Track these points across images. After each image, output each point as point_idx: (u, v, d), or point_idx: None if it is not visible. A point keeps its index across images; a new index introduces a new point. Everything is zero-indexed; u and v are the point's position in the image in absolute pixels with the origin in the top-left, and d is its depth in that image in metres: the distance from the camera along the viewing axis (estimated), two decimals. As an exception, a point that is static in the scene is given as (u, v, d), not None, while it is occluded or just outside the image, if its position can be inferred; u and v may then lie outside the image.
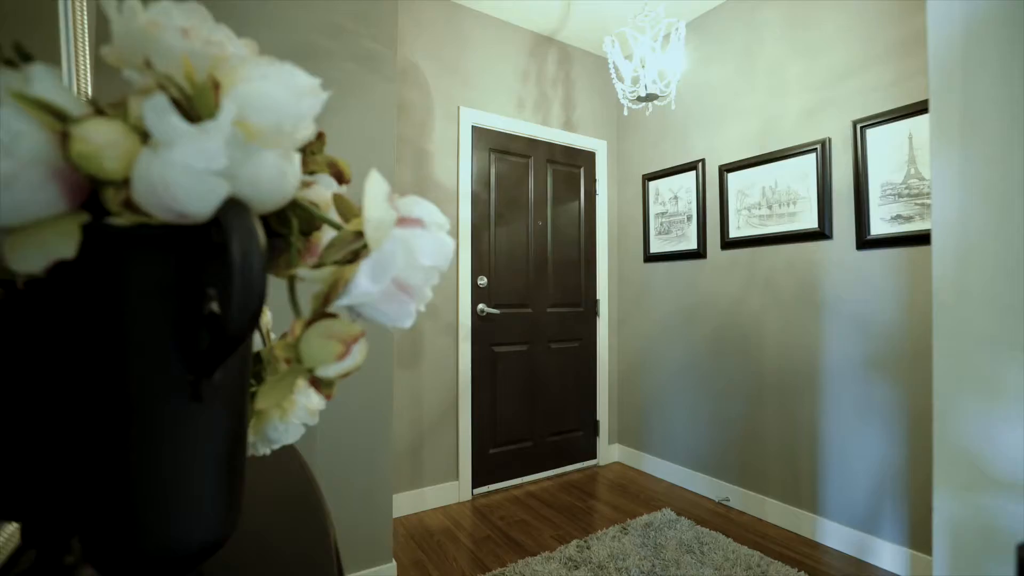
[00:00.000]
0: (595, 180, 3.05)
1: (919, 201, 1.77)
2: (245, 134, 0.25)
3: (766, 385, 2.26)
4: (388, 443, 1.68)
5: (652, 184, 2.89)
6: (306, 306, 0.30)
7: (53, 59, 0.93)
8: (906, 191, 1.80)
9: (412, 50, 2.38)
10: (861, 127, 1.92)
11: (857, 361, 1.93)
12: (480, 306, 2.57)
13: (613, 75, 1.87)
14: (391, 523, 1.69)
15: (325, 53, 1.58)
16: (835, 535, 1.98)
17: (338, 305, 0.28)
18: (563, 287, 2.90)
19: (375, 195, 0.28)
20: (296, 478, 0.79)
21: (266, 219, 0.33)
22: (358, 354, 0.28)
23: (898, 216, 1.82)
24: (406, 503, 2.31)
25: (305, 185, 0.34)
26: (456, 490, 2.46)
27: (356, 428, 1.62)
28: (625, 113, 1.93)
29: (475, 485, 2.53)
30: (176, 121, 0.24)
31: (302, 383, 0.52)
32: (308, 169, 0.38)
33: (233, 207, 0.27)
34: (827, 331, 2.03)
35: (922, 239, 1.74)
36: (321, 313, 0.28)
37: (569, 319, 2.92)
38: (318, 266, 0.29)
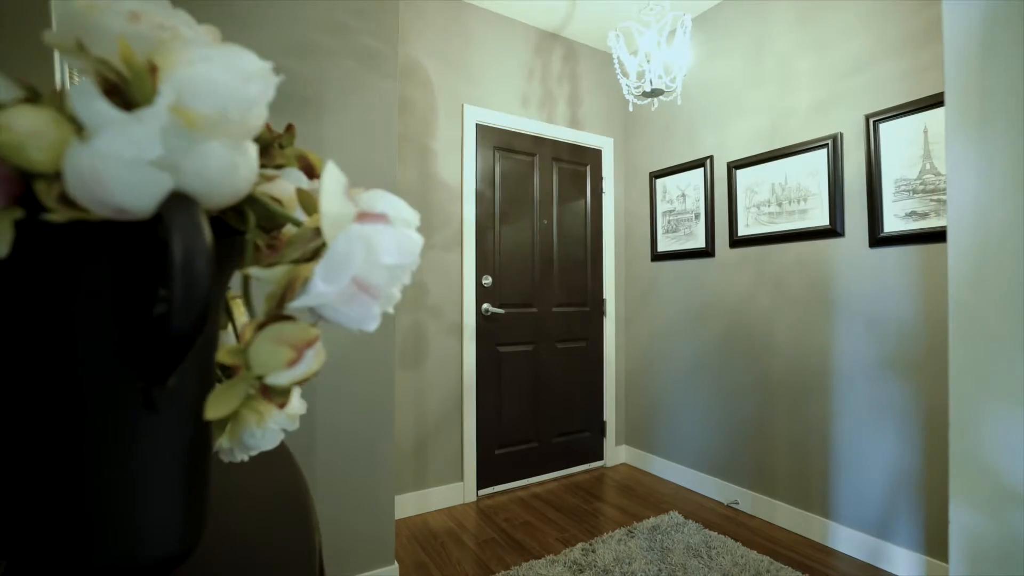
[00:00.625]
0: (601, 178, 3.02)
1: (935, 197, 1.71)
2: (185, 121, 0.23)
3: (776, 385, 2.21)
4: (390, 444, 1.67)
5: (659, 182, 2.85)
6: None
7: (47, 60, 0.92)
8: (921, 187, 1.75)
9: (415, 48, 2.36)
10: (874, 121, 1.87)
11: (870, 361, 1.88)
12: (485, 306, 2.55)
13: (618, 70, 1.84)
14: (393, 524, 1.67)
15: (326, 51, 1.57)
16: (847, 540, 1.93)
17: (295, 306, 0.26)
18: (569, 286, 2.87)
19: (331, 189, 0.26)
20: (284, 477, 0.78)
21: (225, 215, 0.31)
22: (313, 360, 0.26)
23: (913, 213, 1.77)
24: (410, 504, 2.30)
25: (266, 179, 0.32)
26: (461, 491, 2.44)
27: (357, 429, 1.61)
28: (630, 109, 1.89)
29: (480, 486, 2.52)
30: (104, 107, 0.22)
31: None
32: (275, 163, 0.36)
33: (177, 201, 0.25)
34: (839, 331, 1.98)
35: (938, 236, 1.69)
36: (275, 315, 0.26)
37: (575, 319, 2.89)
38: (271, 265, 0.27)
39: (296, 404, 0.52)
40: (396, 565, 1.69)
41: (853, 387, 1.93)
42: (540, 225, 2.78)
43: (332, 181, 0.26)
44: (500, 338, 2.62)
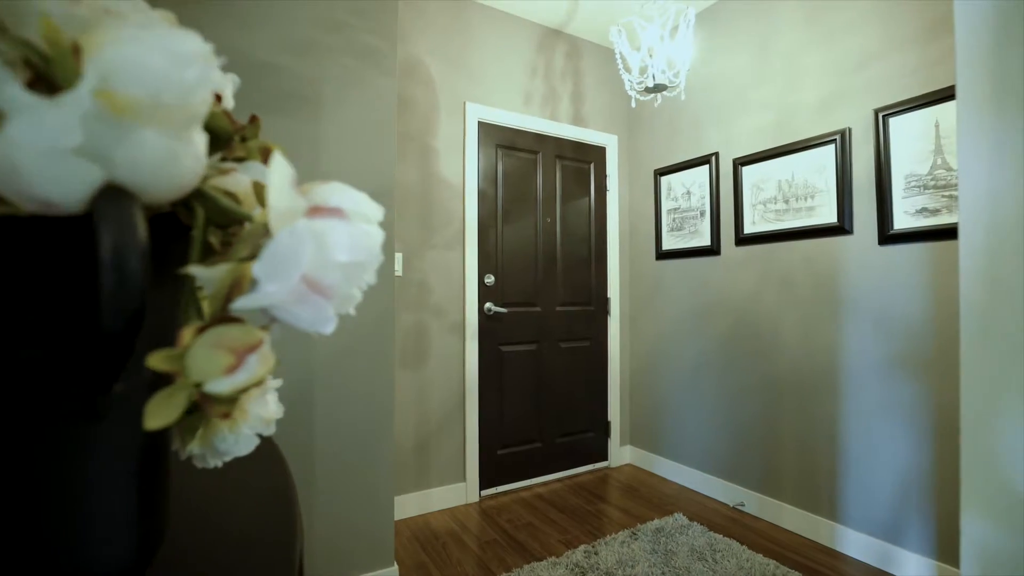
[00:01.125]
0: (606, 176, 2.99)
1: (946, 193, 1.67)
2: (111, 107, 0.21)
3: (783, 386, 2.17)
4: (390, 444, 1.65)
5: (664, 179, 2.81)
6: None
7: None
8: (932, 182, 1.71)
9: (416, 45, 2.35)
10: (883, 116, 1.82)
11: (880, 362, 1.84)
12: (487, 305, 2.53)
13: (620, 66, 1.81)
14: (393, 525, 1.66)
15: (325, 49, 1.56)
16: (855, 544, 1.89)
17: (239, 307, 0.25)
18: (573, 285, 2.84)
19: (276, 181, 0.24)
20: (270, 478, 0.76)
21: (177, 211, 0.29)
22: (256, 366, 0.24)
23: (924, 209, 1.73)
24: (412, 504, 2.28)
25: (221, 172, 0.30)
26: (463, 492, 2.43)
27: (357, 429, 1.59)
28: (633, 105, 1.86)
29: (482, 487, 2.50)
30: (16, 92, 0.20)
31: (256, 394, 0.48)
32: (237, 156, 0.34)
33: (107, 195, 0.23)
34: (847, 330, 1.94)
35: (950, 233, 1.64)
36: (220, 318, 0.24)
37: (579, 318, 2.86)
38: (214, 263, 0.25)
39: (272, 408, 0.51)
40: (396, 566, 1.68)
41: (862, 387, 1.89)
42: (543, 223, 2.75)
43: (278, 173, 0.24)
44: (503, 337, 2.60)
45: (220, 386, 0.23)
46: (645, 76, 1.69)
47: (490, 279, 2.55)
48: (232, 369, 0.23)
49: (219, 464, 0.46)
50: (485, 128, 2.56)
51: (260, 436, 0.47)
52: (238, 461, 0.91)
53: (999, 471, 0.89)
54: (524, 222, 2.69)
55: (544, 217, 2.76)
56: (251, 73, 1.44)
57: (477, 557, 1.92)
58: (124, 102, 0.21)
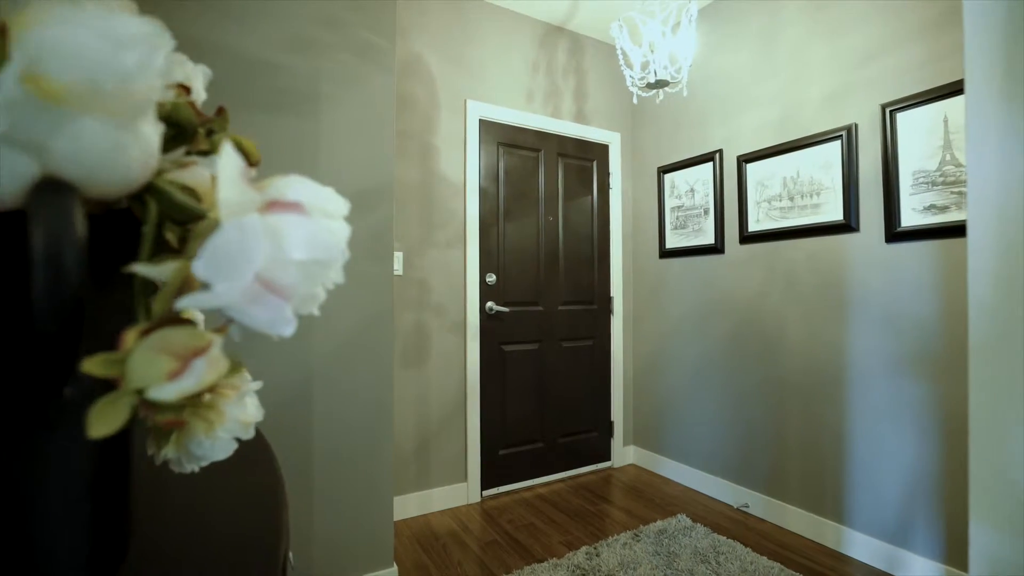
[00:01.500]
0: (608, 173, 2.96)
1: (955, 189, 1.64)
2: (40, 92, 0.20)
3: (788, 386, 2.14)
4: (389, 444, 1.64)
5: (668, 177, 2.78)
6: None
7: None
8: (940, 179, 1.67)
9: (417, 42, 2.33)
10: (890, 111, 1.79)
11: (887, 362, 1.81)
12: (489, 304, 2.52)
13: (621, 61, 1.78)
14: (392, 526, 1.65)
15: (322, 45, 1.55)
16: (862, 547, 1.86)
17: (188, 307, 0.23)
18: (575, 284, 2.82)
19: (226, 173, 0.23)
20: (258, 476, 0.75)
21: (131, 206, 0.27)
22: (203, 371, 0.22)
23: (932, 206, 1.69)
24: (413, 505, 2.27)
25: (179, 165, 0.29)
26: (465, 492, 2.41)
27: (356, 428, 1.58)
28: (635, 101, 1.84)
29: (484, 487, 2.49)
30: (-68, 75, 0.18)
31: (223, 399, 0.47)
32: (201, 148, 0.33)
33: (43, 187, 0.21)
34: (853, 330, 1.91)
35: (959, 231, 1.61)
36: (166, 319, 0.23)
37: (582, 317, 2.84)
38: (163, 261, 0.23)
39: (252, 411, 0.49)
40: (395, 567, 1.67)
41: (868, 388, 1.86)
42: (545, 222, 2.73)
43: (227, 164, 0.23)
44: (504, 337, 2.58)
45: (163, 392, 0.21)
46: (647, 72, 1.66)
47: (491, 278, 2.54)
48: (176, 375, 0.21)
49: (195, 469, 0.45)
50: (486, 126, 2.54)
51: (239, 440, 0.46)
52: (226, 462, 0.89)
53: (1008, 474, 0.86)
54: (526, 220, 2.67)
55: (546, 215, 2.74)
56: (248, 71, 1.43)
57: (478, 558, 1.90)
58: (55, 88, 0.20)
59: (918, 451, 1.72)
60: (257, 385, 0.47)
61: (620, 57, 1.78)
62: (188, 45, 1.36)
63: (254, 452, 0.91)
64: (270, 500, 0.65)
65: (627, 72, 1.72)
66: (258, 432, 1.00)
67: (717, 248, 2.46)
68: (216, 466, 0.81)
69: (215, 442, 0.44)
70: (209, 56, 1.38)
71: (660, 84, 1.69)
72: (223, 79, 1.39)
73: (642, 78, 1.70)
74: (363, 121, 1.62)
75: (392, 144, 1.66)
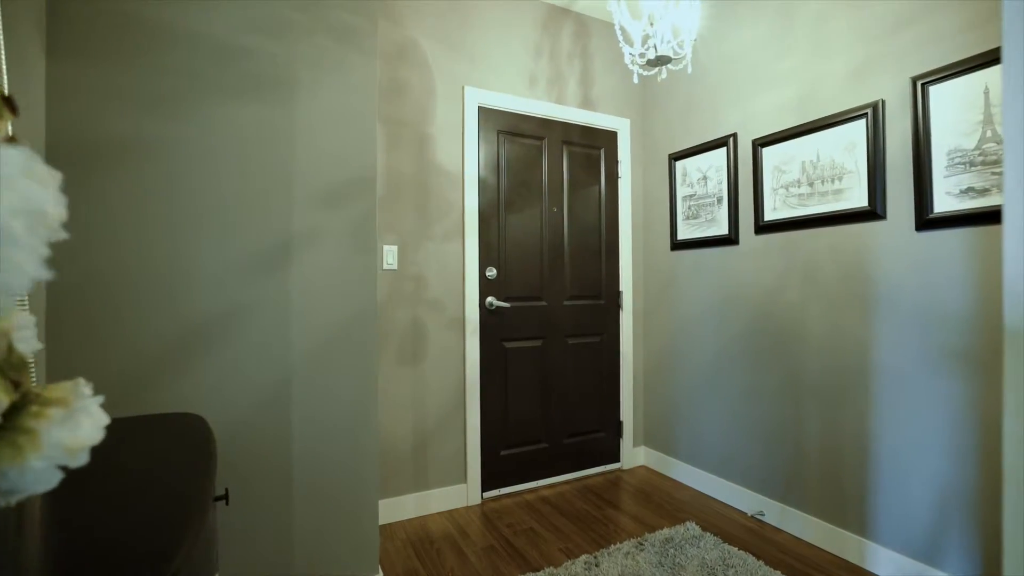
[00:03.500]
0: (617, 162, 2.82)
1: (997, 170, 1.46)
2: None
3: (808, 386, 1.99)
4: (373, 445, 1.57)
5: (679, 164, 2.63)
6: None
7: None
8: (980, 158, 1.49)
9: (410, 26, 2.24)
10: (922, 84, 1.61)
11: (916, 362, 1.64)
12: (489, 299, 2.42)
13: (620, 37, 1.65)
14: (377, 529, 1.58)
15: (297, 28, 1.47)
16: (887, 563, 1.70)
17: None
18: (582, 278, 2.70)
19: None
20: (183, 482, 0.69)
21: None
22: None
23: (969, 189, 1.52)
24: (410, 506, 2.21)
25: None
26: (464, 493, 2.34)
27: (337, 429, 1.51)
28: (635, 80, 1.70)
29: (485, 488, 2.40)
30: None
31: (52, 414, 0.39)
32: None
33: None
34: (879, 326, 1.75)
35: (1000, 216, 1.43)
36: None
37: (588, 312, 2.72)
38: None
39: (87, 431, 0.40)
40: (381, 573, 1.60)
41: (895, 389, 1.70)
42: (549, 213, 2.62)
43: None
44: (506, 333, 2.48)
45: None
46: (647, 47, 1.53)
47: (492, 272, 2.44)
48: None
49: (11, 502, 0.37)
50: (486, 113, 2.43)
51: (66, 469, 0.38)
52: (153, 456, 0.86)
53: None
54: (529, 212, 2.56)
55: (550, 207, 2.62)
56: (218, 56, 1.36)
57: (472, 565, 1.82)
58: None
59: (951, 459, 1.55)
60: (97, 399, 0.38)
61: (619, 33, 1.65)
62: (157, 32, 1.29)
63: (184, 450, 0.85)
64: (181, 508, 0.61)
65: (626, 49, 1.59)
66: (192, 417, 0.94)
67: (731, 239, 2.30)
68: (136, 466, 0.81)
69: (27, 473, 0.35)
70: (179, 42, 1.31)
71: (662, 61, 1.55)
72: (192, 65, 1.33)
73: (642, 55, 1.56)
74: (343, 108, 1.53)
75: (374, 132, 1.58)
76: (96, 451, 0.37)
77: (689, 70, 1.73)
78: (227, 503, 1.00)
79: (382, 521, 2.14)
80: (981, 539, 1.48)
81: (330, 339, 1.51)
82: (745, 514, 2.20)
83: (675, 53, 1.55)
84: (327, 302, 1.50)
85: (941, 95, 1.57)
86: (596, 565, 1.76)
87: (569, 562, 1.79)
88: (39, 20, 1.18)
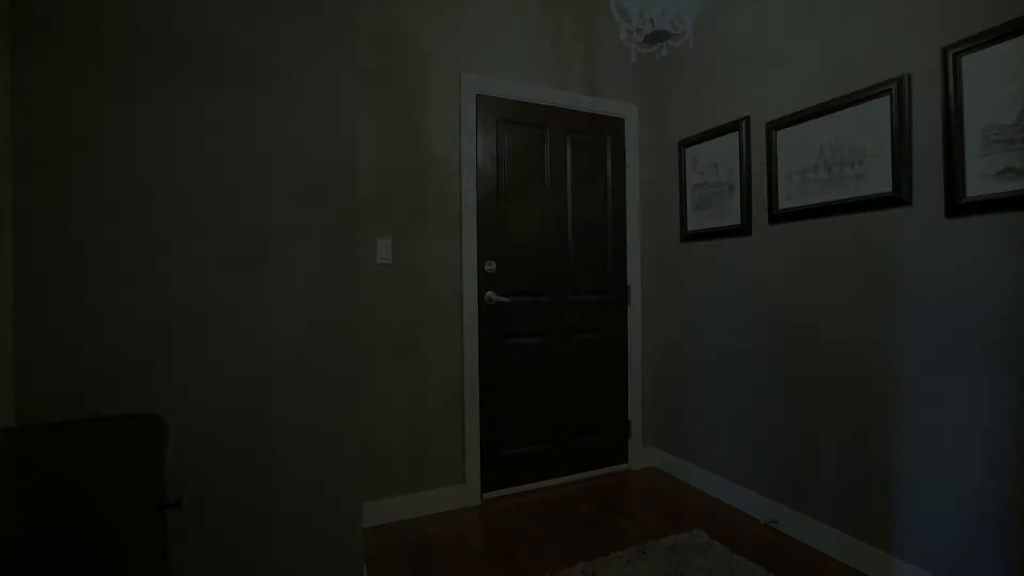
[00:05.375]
0: (624, 150, 2.70)
1: (1039, 147, 1.30)
2: None
3: (827, 386, 1.85)
4: (353, 447, 1.51)
5: (689, 151, 2.49)
6: None
7: None
8: (1021, 135, 1.33)
9: (403, 11, 2.16)
10: (954, 54, 1.45)
11: (947, 361, 1.49)
12: (488, 294, 2.34)
13: (615, 12, 1.53)
14: (359, 533, 1.52)
15: (272, 11, 1.40)
16: (912, 580, 1.57)
17: None
18: (587, 272, 2.59)
19: None
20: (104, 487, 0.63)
21: None
22: None
23: (1008, 170, 1.36)
24: (407, 506, 2.15)
25: None
26: (463, 494, 2.27)
27: (317, 433, 1.45)
28: (633, 59, 1.58)
29: (485, 489, 2.33)
30: None
31: None
32: None
33: None
34: (905, 323, 1.60)
35: (1043, 199, 1.28)
36: None
37: (594, 308, 2.61)
38: None
39: None
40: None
41: (922, 391, 1.55)
42: (552, 204, 2.51)
43: None
44: (507, 329, 2.40)
45: None
46: (643, 22, 1.41)
47: (491, 266, 2.35)
48: None
49: None
50: (484, 101, 2.34)
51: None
52: (91, 465, 0.78)
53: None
54: (530, 203, 2.46)
55: (553, 197, 2.52)
56: (189, 44, 1.30)
57: (462, 570, 1.75)
58: None
59: (986, 467, 1.41)
60: None
61: (614, 9, 1.53)
62: (123, 18, 1.24)
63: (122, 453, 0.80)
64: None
65: (622, 26, 1.48)
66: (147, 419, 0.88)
67: (743, 229, 2.16)
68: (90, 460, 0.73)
69: None
70: (146, 26, 1.26)
71: (659, 37, 1.43)
72: (160, 51, 1.27)
73: (639, 30, 1.45)
74: (322, 95, 1.46)
75: (355, 121, 1.50)
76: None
77: (690, 46, 1.61)
78: (181, 509, 0.95)
79: (377, 522, 2.09)
80: (1018, 557, 1.34)
81: (309, 336, 1.44)
82: (758, 521, 2.07)
83: (674, 28, 1.43)
84: (304, 300, 1.43)
85: (976, 65, 1.41)
86: (593, 574, 1.67)
87: (566, 570, 1.71)
88: (2, 8, 1.14)
